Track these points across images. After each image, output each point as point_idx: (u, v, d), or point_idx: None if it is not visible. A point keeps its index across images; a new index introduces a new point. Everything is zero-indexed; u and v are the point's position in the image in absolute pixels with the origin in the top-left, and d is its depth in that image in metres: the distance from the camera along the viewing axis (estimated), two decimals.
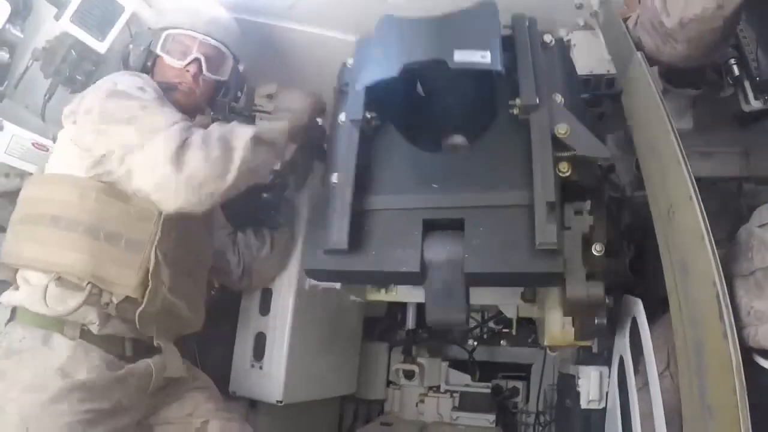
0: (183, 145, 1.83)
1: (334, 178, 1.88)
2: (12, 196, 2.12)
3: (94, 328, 1.89)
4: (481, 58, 1.62)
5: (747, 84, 1.90)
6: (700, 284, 1.22)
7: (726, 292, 1.15)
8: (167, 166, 1.80)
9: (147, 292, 1.93)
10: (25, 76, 2.31)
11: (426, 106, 2.12)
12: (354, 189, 1.83)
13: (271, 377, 2.58)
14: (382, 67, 1.75)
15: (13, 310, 1.94)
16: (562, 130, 1.67)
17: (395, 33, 1.88)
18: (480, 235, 1.70)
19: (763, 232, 1.25)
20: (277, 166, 2.34)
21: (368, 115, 1.92)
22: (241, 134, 1.96)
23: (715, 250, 1.19)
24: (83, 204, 1.92)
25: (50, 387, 1.73)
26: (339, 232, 1.78)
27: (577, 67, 2.44)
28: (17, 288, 1.96)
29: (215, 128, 1.96)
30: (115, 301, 1.91)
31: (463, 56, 1.63)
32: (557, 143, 1.68)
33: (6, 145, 2.14)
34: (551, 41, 1.94)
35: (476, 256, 1.68)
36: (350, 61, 2.14)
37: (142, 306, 1.93)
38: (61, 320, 1.86)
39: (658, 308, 1.84)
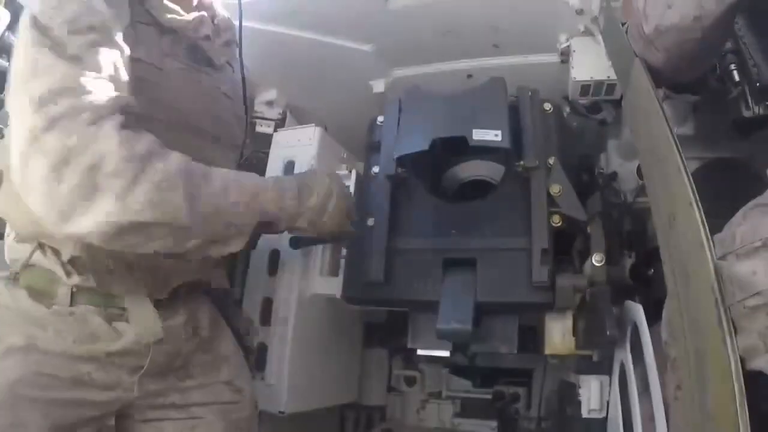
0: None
1: (370, 222, 2.29)
2: None
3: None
4: (495, 136, 2.02)
5: (747, 90, 1.90)
6: (700, 290, 1.21)
7: (729, 302, 1.15)
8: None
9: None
10: None
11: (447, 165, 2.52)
12: (387, 232, 2.25)
13: (273, 388, 2.56)
14: (415, 141, 2.14)
15: None
16: (555, 189, 2.10)
17: (423, 107, 2.34)
18: (489, 271, 2.12)
19: (729, 266, 1.25)
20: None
21: (399, 171, 2.33)
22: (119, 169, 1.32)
23: (716, 257, 1.19)
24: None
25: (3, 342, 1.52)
26: (376, 268, 2.20)
27: (578, 73, 2.45)
28: None
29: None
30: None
31: (480, 135, 2.02)
32: (551, 200, 2.09)
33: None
34: (550, 109, 2.36)
35: (486, 288, 2.10)
36: (380, 119, 2.54)
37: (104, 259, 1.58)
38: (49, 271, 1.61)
39: (659, 314, 1.83)
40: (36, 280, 1.62)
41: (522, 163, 2.15)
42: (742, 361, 1.11)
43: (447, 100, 2.30)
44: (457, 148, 2.23)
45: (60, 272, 1.60)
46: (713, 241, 1.24)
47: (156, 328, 1.68)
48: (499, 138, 2.02)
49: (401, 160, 2.28)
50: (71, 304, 1.59)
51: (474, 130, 2.03)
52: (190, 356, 1.84)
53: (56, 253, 1.60)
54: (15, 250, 1.66)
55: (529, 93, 2.38)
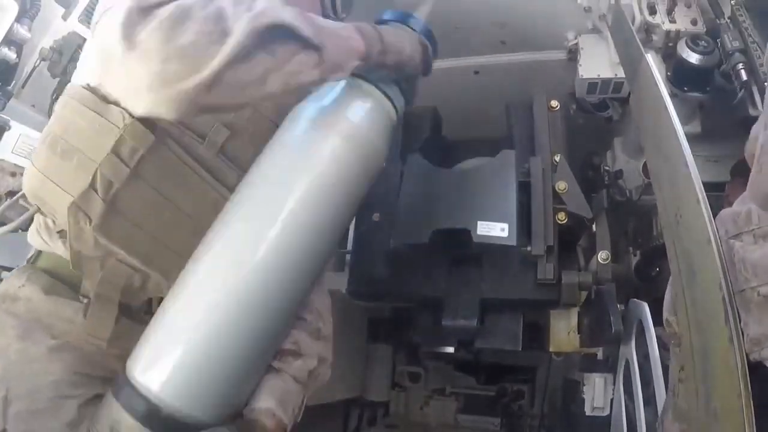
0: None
1: (376, 217, 2.26)
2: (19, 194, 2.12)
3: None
4: (501, 231, 1.95)
5: (754, 88, 1.89)
6: (706, 288, 1.21)
7: (732, 295, 1.14)
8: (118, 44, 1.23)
9: (68, 222, 1.49)
10: (33, 76, 2.32)
11: None
12: (392, 227, 2.18)
13: None
14: (414, 230, 2.08)
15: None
16: (561, 186, 2.05)
17: (425, 186, 2.19)
18: (494, 268, 2.12)
19: (743, 246, 1.22)
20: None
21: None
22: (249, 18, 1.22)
23: (722, 254, 1.19)
24: (62, 113, 1.58)
25: (39, 343, 1.51)
26: (381, 263, 2.20)
27: (585, 70, 2.44)
28: None
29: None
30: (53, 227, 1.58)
31: (485, 229, 1.96)
32: (557, 197, 2.06)
33: (13, 144, 2.15)
34: (557, 106, 2.32)
35: (490, 284, 2.11)
36: None
37: (68, 238, 1.51)
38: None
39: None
40: (53, 264, 1.62)
41: (529, 249, 2.02)
42: (748, 352, 1.11)
43: (451, 181, 2.16)
44: (459, 240, 2.06)
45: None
46: (724, 217, 1.23)
47: None
48: (506, 234, 1.94)
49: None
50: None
51: (479, 223, 1.96)
52: None
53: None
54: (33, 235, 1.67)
55: (542, 168, 2.17)
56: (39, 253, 1.66)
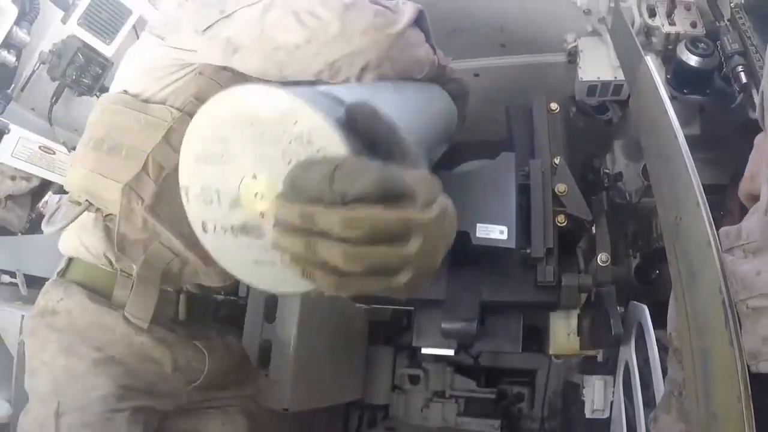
0: None
1: None
2: (19, 198, 2.12)
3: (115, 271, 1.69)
4: (500, 233, 1.91)
5: (754, 91, 1.89)
6: (706, 291, 1.21)
7: (732, 299, 1.14)
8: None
9: (120, 203, 1.64)
10: (32, 79, 2.32)
11: None
12: None
13: (278, 385, 2.57)
14: None
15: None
16: (561, 188, 2.02)
17: None
18: (494, 270, 2.06)
19: (733, 261, 1.23)
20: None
21: None
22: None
23: (723, 257, 1.19)
24: (101, 118, 1.74)
25: (84, 358, 1.62)
26: None
27: (585, 73, 2.44)
28: None
29: None
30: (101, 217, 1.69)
31: (484, 231, 1.92)
32: (557, 199, 2.02)
33: (12, 148, 2.15)
34: (556, 109, 2.27)
35: (490, 287, 2.05)
36: None
37: (117, 223, 1.65)
38: (109, 273, 1.69)
39: (664, 315, 1.84)
40: (86, 274, 1.72)
41: (529, 251, 2.02)
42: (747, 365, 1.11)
43: (450, 183, 2.15)
44: (458, 242, 2.11)
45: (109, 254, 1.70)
46: (719, 234, 1.23)
47: (219, 352, 1.90)
48: (505, 236, 1.92)
49: None
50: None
51: (477, 225, 1.94)
52: (230, 373, 1.99)
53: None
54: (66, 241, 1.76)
55: (542, 170, 2.20)
56: (69, 264, 1.75)
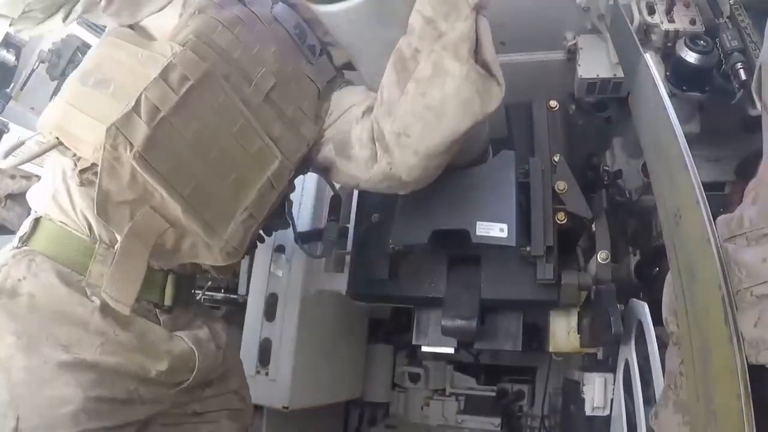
0: None
1: (375, 218, 2.30)
2: (18, 197, 2.12)
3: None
4: (500, 231, 1.91)
5: (753, 88, 1.89)
6: (706, 288, 1.21)
7: (732, 295, 1.14)
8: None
9: (103, 148, 1.35)
10: (32, 78, 2.32)
11: None
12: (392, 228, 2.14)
13: (278, 383, 2.57)
14: (413, 230, 2.01)
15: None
16: (561, 186, 2.05)
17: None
18: (493, 268, 2.12)
19: (735, 249, 1.22)
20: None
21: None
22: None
23: (722, 254, 1.19)
24: (97, 51, 1.52)
25: (49, 360, 1.34)
26: (381, 264, 2.21)
27: (584, 70, 2.44)
28: None
29: None
30: (76, 169, 1.42)
31: (484, 230, 1.92)
32: (556, 197, 2.05)
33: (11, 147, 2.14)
34: (556, 106, 2.34)
35: (490, 285, 2.10)
36: None
37: (99, 176, 1.36)
38: (85, 244, 1.44)
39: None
40: (57, 242, 1.45)
41: (528, 249, 2.01)
42: (746, 355, 1.11)
43: (450, 183, 2.07)
44: (458, 240, 2.03)
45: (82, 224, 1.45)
46: (717, 223, 1.23)
47: (208, 346, 1.68)
48: (505, 234, 1.90)
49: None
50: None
51: (477, 223, 1.93)
52: (217, 368, 1.78)
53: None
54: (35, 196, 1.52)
55: (542, 168, 2.19)
56: (35, 226, 1.47)
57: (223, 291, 2.75)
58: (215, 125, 1.48)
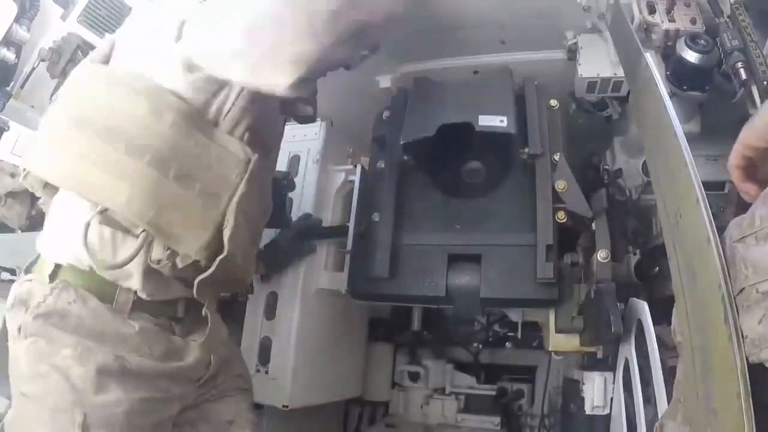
0: None
1: (375, 217, 2.36)
2: (18, 195, 2.12)
3: (141, 293, 1.62)
4: (500, 122, 2.06)
5: (754, 87, 1.89)
6: (706, 287, 1.21)
7: (732, 295, 1.14)
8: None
9: (219, 260, 1.57)
10: (32, 77, 2.32)
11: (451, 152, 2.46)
12: (392, 227, 2.31)
13: (278, 382, 2.57)
14: (421, 127, 2.17)
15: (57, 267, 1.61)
16: (561, 185, 2.11)
17: (430, 95, 2.38)
18: (493, 267, 2.18)
19: (745, 247, 1.22)
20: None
21: (406, 158, 2.39)
22: None
23: (722, 254, 1.19)
24: (155, 125, 1.53)
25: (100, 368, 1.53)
26: (381, 263, 2.26)
27: (584, 69, 2.44)
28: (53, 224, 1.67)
29: None
30: (179, 264, 1.58)
31: (486, 121, 2.07)
32: (557, 196, 2.12)
33: (12, 145, 2.15)
34: (556, 105, 2.43)
35: (490, 284, 2.16)
36: (386, 114, 2.62)
37: (209, 273, 1.58)
38: (109, 282, 1.59)
39: (664, 312, 1.84)
40: (86, 279, 1.60)
41: (527, 150, 2.19)
42: (748, 354, 1.10)
43: (454, 89, 2.34)
44: (463, 135, 2.16)
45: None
46: (730, 225, 1.23)
47: (220, 339, 1.89)
48: (505, 124, 2.05)
49: (407, 147, 2.29)
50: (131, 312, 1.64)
51: (480, 116, 2.06)
52: (225, 360, 1.98)
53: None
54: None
55: (535, 83, 2.46)
56: (57, 269, 1.61)
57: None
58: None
